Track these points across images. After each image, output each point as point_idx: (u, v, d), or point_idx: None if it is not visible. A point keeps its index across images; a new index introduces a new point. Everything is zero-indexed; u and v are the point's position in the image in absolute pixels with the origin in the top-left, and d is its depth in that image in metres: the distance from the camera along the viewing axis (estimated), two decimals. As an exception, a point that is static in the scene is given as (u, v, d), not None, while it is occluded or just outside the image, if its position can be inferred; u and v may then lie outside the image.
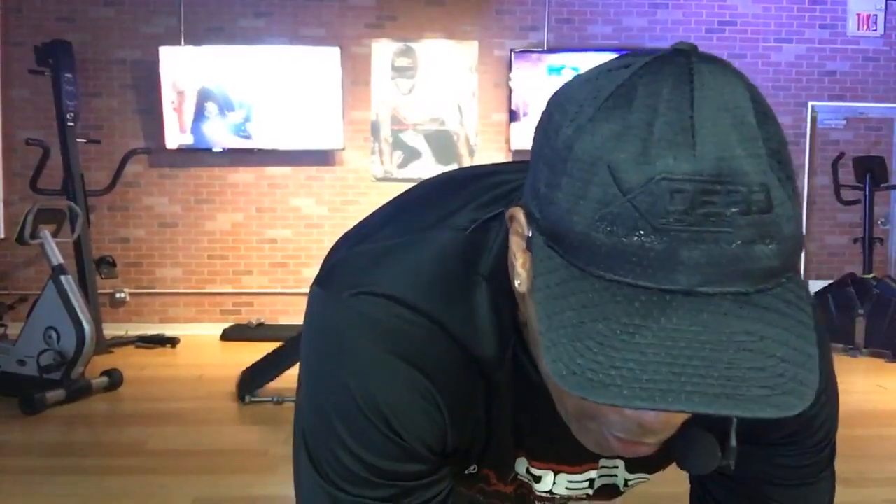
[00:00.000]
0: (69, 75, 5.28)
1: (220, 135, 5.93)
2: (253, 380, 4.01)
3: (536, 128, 0.60)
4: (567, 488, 0.84)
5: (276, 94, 5.90)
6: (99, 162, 5.93)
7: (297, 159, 6.05)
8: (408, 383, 0.68)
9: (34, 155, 5.29)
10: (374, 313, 0.68)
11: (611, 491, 0.86)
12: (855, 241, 5.83)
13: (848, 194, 5.75)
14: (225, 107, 5.91)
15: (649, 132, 0.51)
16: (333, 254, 0.80)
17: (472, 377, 0.70)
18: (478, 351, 0.69)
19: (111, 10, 5.96)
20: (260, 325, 5.99)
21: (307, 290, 0.76)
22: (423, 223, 0.73)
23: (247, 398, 4.00)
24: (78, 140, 5.44)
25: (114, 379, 4.27)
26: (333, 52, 5.88)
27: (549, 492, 0.84)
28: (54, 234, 4.46)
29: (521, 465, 0.82)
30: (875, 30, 6.26)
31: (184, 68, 5.86)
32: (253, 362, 4.12)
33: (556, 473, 0.83)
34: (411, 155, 6.08)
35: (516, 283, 0.63)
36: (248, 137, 5.94)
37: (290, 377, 3.80)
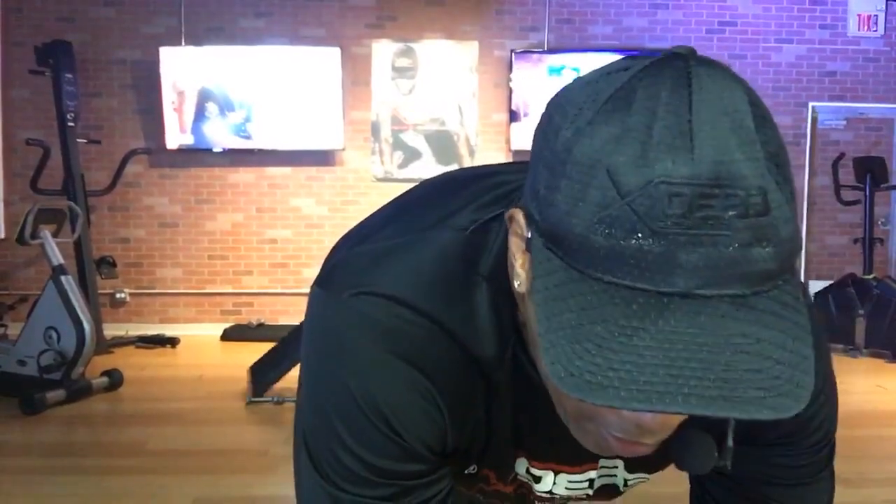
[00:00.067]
0: (69, 75, 5.28)
1: (220, 135, 5.93)
2: (264, 375, 3.99)
3: (536, 130, 0.60)
4: (567, 488, 0.84)
5: (277, 94, 5.90)
6: (99, 162, 5.93)
7: (297, 159, 6.06)
8: (408, 383, 0.68)
9: (34, 155, 5.29)
10: (374, 313, 0.68)
11: (611, 491, 0.87)
12: (855, 241, 5.84)
13: (848, 195, 5.75)
14: (225, 107, 5.92)
15: (648, 135, 0.51)
16: (334, 254, 0.80)
17: (471, 377, 0.71)
18: (478, 351, 0.69)
19: (111, 10, 5.97)
20: (260, 325, 5.99)
21: (307, 290, 0.76)
22: (424, 223, 0.73)
23: (248, 399, 4.00)
24: (78, 140, 5.44)
25: (114, 379, 4.27)
26: (334, 53, 5.88)
27: (549, 492, 0.84)
28: (54, 235, 4.46)
29: (521, 466, 0.82)
30: (875, 30, 6.27)
31: (184, 68, 5.86)
32: (258, 359, 4.10)
33: (556, 473, 0.83)
34: (411, 155, 6.08)
35: (516, 284, 0.63)
36: (248, 138, 5.94)
37: (290, 377, 3.81)
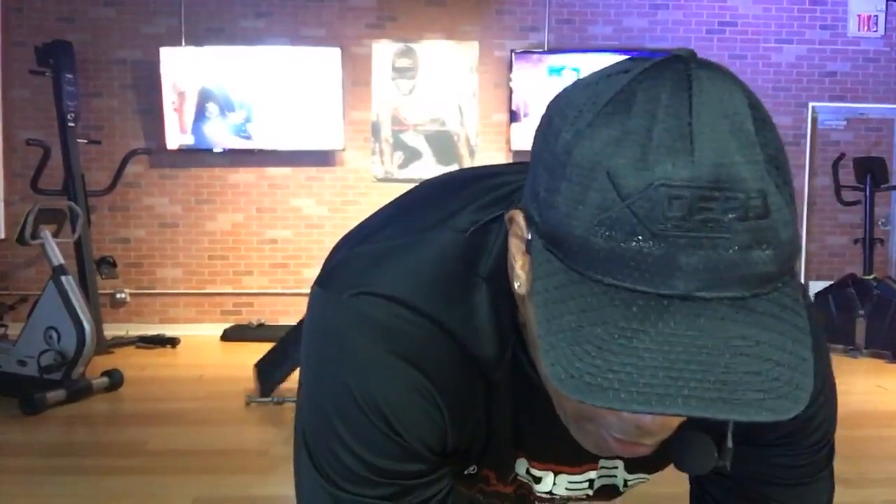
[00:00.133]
0: (70, 75, 5.28)
1: (220, 135, 5.93)
2: (270, 374, 3.97)
3: (536, 132, 0.60)
4: (567, 489, 0.85)
5: (277, 94, 5.90)
6: (99, 162, 5.94)
7: (297, 160, 6.06)
8: (408, 383, 0.68)
9: (35, 155, 5.29)
10: (374, 313, 0.68)
11: (610, 491, 0.87)
12: (855, 241, 5.84)
13: (848, 195, 5.75)
14: (225, 107, 5.92)
15: (648, 138, 0.51)
16: (334, 254, 0.80)
17: (471, 377, 0.71)
18: (477, 351, 0.69)
19: (112, 10, 5.97)
20: (260, 325, 5.99)
21: (307, 290, 0.76)
22: (424, 224, 0.73)
23: (247, 399, 4.00)
24: (78, 140, 5.44)
25: (114, 379, 4.28)
26: (334, 53, 5.88)
27: (549, 492, 0.85)
28: (55, 235, 4.46)
29: (521, 466, 0.82)
30: (875, 31, 6.27)
31: (184, 69, 5.86)
32: (262, 357, 4.08)
33: (555, 474, 0.83)
34: (412, 155, 6.08)
35: (516, 285, 0.63)
36: (248, 138, 5.94)
37: (292, 377, 3.81)
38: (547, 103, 0.61)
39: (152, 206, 6.10)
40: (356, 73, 6.03)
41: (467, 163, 6.07)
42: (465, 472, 0.79)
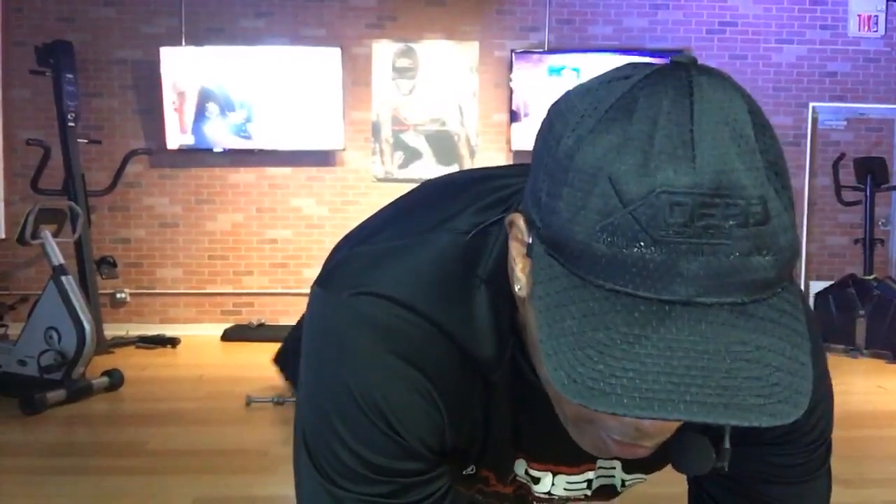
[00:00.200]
0: (70, 75, 5.29)
1: (220, 135, 5.94)
2: (294, 373, 3.96)
3: (537, 135, 0.61)
4: (565, 489, 0.85)
5: (277, 94, 5.90)
6: (100, 162, 5.94)
7: (297, 160, 6.06)
8: (407, 382, 0.68)
9: (35, 155, 5.30)
10: (373, 313, 0.68)
11: (608, 491, 0.87)
12: (856, 241, 5.84)
13: (849, 195, 5.75)
14: (226, 107, 5.92)
15: (650, 144, 0.51)
16: (335, 254, 0.81)
17: (470, 378, 0.71)
18: (476, 352, 0.70)
19: (112, 10, 5.97)
20: (260, 325, 6.00)
21: (308, 290, 0.76)
22: (424, 226, 0.74)
23: (248, 399, 4.01)
24: (79, 140, 5.44)
25: (114, 379, 4.28)
26: (334, 53, 5.88)
27: (548, 493, 0.85)
28: (55, 235, 4.47)
29: (520, 467, 0.82)
30: (876, 31, 6.27)
31: (184, 69, 5.87)
32: (278, 350, 4.05)
33: (554, 474, 0.83)
34: (412, 155, 6.08)
35: (516, 288, 0.63)
36: (248, 138, 5.94)
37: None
38: (548, 107, 0.61)
39: (152, 206, 6.11)
40: (356, 73, 6.04)
41: (467, 163, 6.07)
42: (464, 473, 0.79)
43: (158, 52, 5.82)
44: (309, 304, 0.75)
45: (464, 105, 6.07)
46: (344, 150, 6.04)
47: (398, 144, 6.10)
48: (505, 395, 0.73)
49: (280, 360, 3.99)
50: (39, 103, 5.80)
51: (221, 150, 5.96)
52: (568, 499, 0.87)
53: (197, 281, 6.15)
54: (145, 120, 6.03)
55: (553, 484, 0.84)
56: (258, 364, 4.95)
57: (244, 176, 6.12)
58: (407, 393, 0.69)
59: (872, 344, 5.28)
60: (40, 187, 5.23)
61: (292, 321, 5.06)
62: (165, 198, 6.10)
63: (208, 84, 5.89)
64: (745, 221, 0.51)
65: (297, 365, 0.74)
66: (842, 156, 5.82)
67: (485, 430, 0.75)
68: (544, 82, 5.97)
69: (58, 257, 4.27)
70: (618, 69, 0.57)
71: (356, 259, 0.74)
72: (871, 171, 5.67)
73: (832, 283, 5.64)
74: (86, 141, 5.63)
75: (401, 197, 0.86)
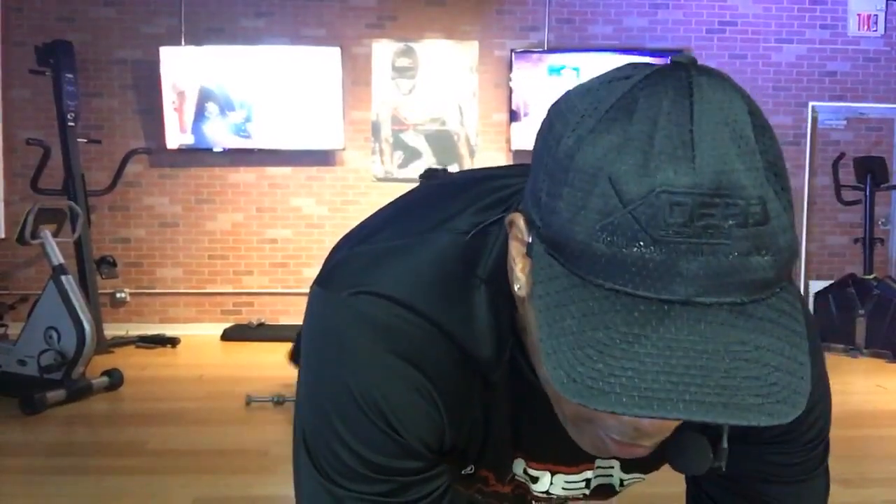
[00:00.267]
0: (70, 75, 5.29)
1: (220, 135, 5.94)
2: None
3: (537, 136, 0.61)
4: (564, 488, 0.85)
5: (277, 94, 5.90)
6: (99, 162, 5.94)
7: (297, 159, 6.06)
8: (407, 382, 0.69)
9: (35, 155, 5.30)
10: (373, 313, 0.68)
11: (607, 491, 0.87)
12: (855, 241, 5.84)
13: (848, 195, 5.76)
14: (225, 107, 5.92)
15: (650, 145, 0.52)
16: (334, 254, 0.81)
17: (470, 378, 0.71)
18: (476, 352, 0.70)
19: (112, 10, 5.97)
20: (260, 325, 6.00)
21: (308, 290, 0.77)
22: (424, 225, 0.74)
23: (248, 399, 4.01)
24: (78, 140, 5.44)
25: (114, 379, 4.28)
26: (334, 52, 5.88)
27: (547, 492, 0.85)
28: (55, 234, 4.47)
29: (519, 466, 0.82)
30: (875, 30, 6.27)
31: (184, 68, 5.87)
32: (293, 347, 4.04)
33: (553, 474, 0.83)
34: (412, 155, 6.09)
35: (516, 288, 0.64)
36: (248, 137, 5.94)
37: (290, 378, 3.80)
38: (548, 107, 0.61)
39: (152, 205, 6.11)
40: (356, 73, 6.04)
41: (467, 163, 6.07)
42: (463, 473, 0.79)
43: (158, 51, 5.82)
44: (309, 304, 0.75)
45: (463, 105, 6.08)
46: (344, 149, 6.05)
47: (398, 144, 6.10)
48: (504, 394, 0.73)
49: (295, 357, 3.99)
50: (39, 103, 5.80)
51: (221, 149, 5.96)
52: (566, 498, 0.88)
53: (197, 280, 6.15)
54: (145, 120, 6.03)
55: (551, 483, 0.84)
56: (258, 364, 4.97)
57: (244, 175, 6.12)
58: (407, 392, 0.69)
59: (872, 343, 5.28)
60: (40, 187, 5.23)
61: (292, 321, 5.07)
62: (165, 197, 6.11)
63: (208, 84, 5.89)
64: (745, 222, 0.51)
65: None
66: (841, 155, 5.82)
67: (484, 429, 0.75)
68: (544, 82, 5.97)
69: (57, 257, 4.27)
70: (618, 69, 0.57)
71: (356, 259, 0.74)
72: (870, 170, 5.67)
73: (832, 282, 5.64)
74: (85, 141, 5.64)
75: (401, 196, 0.86)
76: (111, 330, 5.65)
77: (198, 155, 6.01)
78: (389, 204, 0.85)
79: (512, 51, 6.03)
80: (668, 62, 0.55)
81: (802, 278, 6.22)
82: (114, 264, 5.65)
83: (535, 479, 0.84)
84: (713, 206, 0.51)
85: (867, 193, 5.68)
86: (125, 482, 3.01)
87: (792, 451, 0.79)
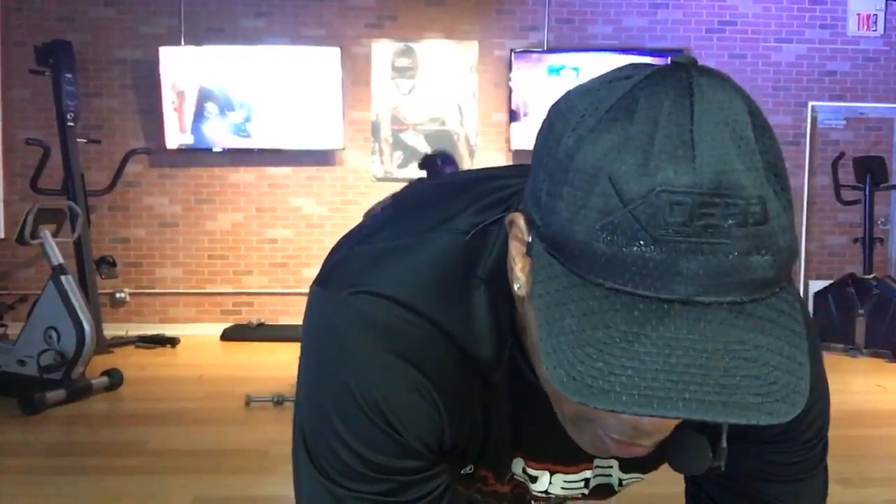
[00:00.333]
0: (69, 75, 5.29)
1: (220, 135, 5.94)
2: None
3: (537, 136, 0.61)
4: (563, 488, 0.85)
5: (277, 94, 5.91)
6: (99, 162, 5.94)
7: (297, 159, 6.06)
8: (406, 382, 0.69)
9: (34, 155, 5.30)
10: (373, 312, 0.68)
11: (606, 490, 0.87)
12: (855, 241, 5.84)
13: (848, 194, 5.76)
14: (225, 107, 5.92)
15: (650, 144, 0.52)
16: (334, 254, 0.81)
17: (469, 377, 0.71)
18: (475, 352, 0.70)
19: (111, 10, 5.97)
20: (260, 325, 6.00)
21: (307, 290, 0.76)
22: (424, 225, 0.74)
23: (248, 399, 4.01)
24: (78, 140, 5.45)
25: (114, 379, 4.28)
26: (334, 52, 5.89)
27: (546, 492, 0.85)
28: (54, 234, 4.47)
29: (518, 466, 0.82)
30: (875, 30, 6.27)
31: (184, 68, 5.87)
32: None
33: (552, 473, 0.83)
34: (411, 155, 6.08)
35: (515, 287, 0.64)
36: (248, 137, 5.94)
37: (290, 377, 3.81)
38: (548, 107, 0.61)
39: (152, 205, 6.11)
40: (356, 73, 6.04)
41: (467, 162, 6.07)
42: (462, 472, 0.79)
43: (158, 51, 5.82)
44: (308, 304, 0.75)
45: (463, 105, 6.08)
46: (343, 149, 6.05)
47: (398, 144, 6.10)
48: (504, 394, 0.73)
49: None
50: (39, 103, 5.80)
51: (221, 149, 5.96)
52: (565, 498, 0.88)
53: (197, 280, 6.15)
54: (145, 120, 6.03)
55: (550, 483, 0.84)
56: (258, 364, 4.97)
57: (244, 175, 6.12)
58: (406, 392, 0.69)
59: (872, 343, 5.28)
60: (40, 187, 5.23)
61: (292, 321, 5.10)
62: (165, 197, 6.11)
63: (208, 84, 5.89)
64: (745, 221, 0.51)
65: None
66: (841, 155, 5.82)
67: (484, 429, 0.75)
68: (544, 82, 5.97)
69: (57, 257, 4.27)
70: (618, 69, 0.58)
71: (356, 258, 0.74)
72: (870, 170, 5.68)
73: (831, 282, 5.64)
74: (85, 141, 5.64)
75: (401, 196, 0.86)
76: (111, 330, 5.65)
77: (197, 155, 6.01)
78: (389, 204, 0.85)
79: (511, 51, 6.03)
80: (669, 62, 0.56)
81: (802, 278, 6.23)
82: (113, 264, 5.65)
83: (534, 479, 0.84)
84: (713, 206, 0.51)
85: (867, 193, 5.68)
86: (125, 482, 3.01)
87: (791, 451, 0.79)
